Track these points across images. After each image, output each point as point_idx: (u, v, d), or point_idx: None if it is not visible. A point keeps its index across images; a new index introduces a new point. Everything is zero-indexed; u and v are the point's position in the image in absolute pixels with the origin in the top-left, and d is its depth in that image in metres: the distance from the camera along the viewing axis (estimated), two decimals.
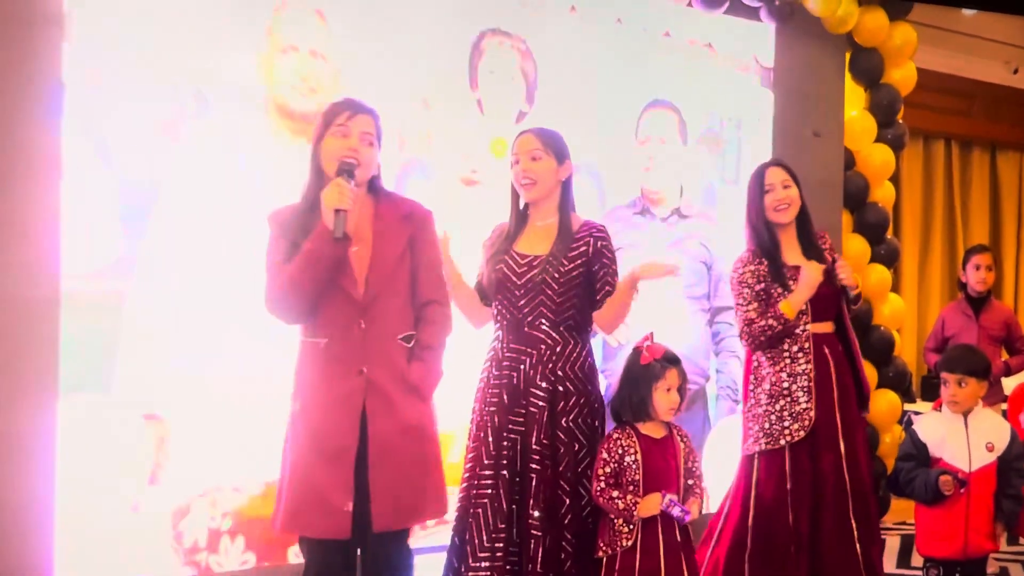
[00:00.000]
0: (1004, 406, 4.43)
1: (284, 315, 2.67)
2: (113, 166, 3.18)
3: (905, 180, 7.27)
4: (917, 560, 3.85)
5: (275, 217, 2.70)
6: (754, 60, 4.68)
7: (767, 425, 3.30)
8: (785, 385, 3.30)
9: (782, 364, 3.32)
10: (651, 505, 2.84)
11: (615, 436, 2.93)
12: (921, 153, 7.58)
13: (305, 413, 2.63)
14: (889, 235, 5.16)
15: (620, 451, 2.89)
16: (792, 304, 3.25)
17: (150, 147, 3.24)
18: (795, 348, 3.32)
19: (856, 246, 4.97)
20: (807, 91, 4.78)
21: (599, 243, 2.98)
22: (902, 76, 5.03)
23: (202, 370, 3.32)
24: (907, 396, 5.58)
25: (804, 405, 3.27)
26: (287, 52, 3.49)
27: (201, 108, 3.33)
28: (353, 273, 2.63)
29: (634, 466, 2.88)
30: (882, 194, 5.08)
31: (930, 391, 6.28)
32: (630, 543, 2.85)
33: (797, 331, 3.31)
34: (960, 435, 3.35)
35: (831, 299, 3.38)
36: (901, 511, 4.85)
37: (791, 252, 3.40)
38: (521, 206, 3.06)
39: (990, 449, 3.33)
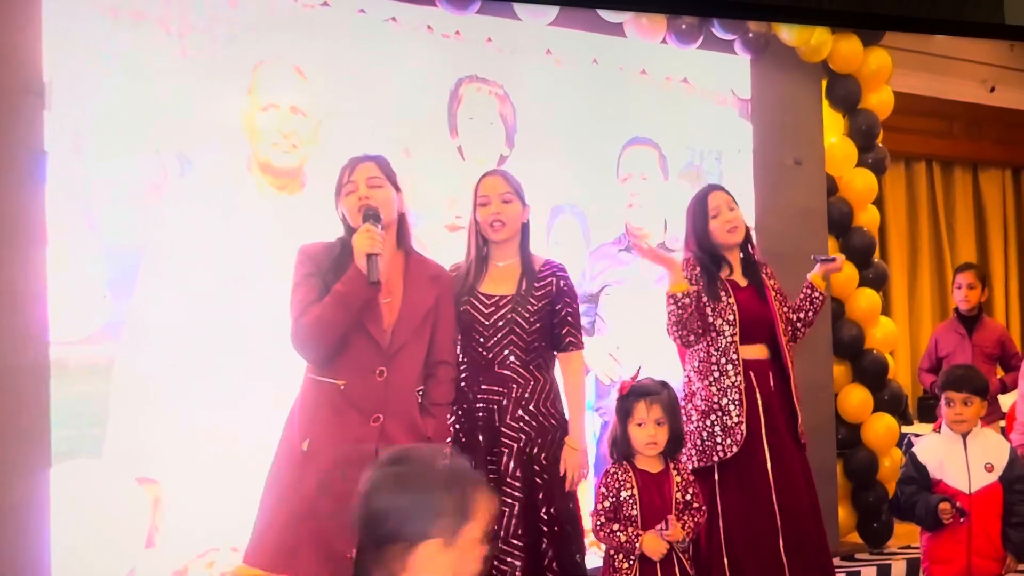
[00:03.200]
0: (1002, 423, 4.42)
1: (309, 353, 2.72)
2: (98, 230, 3.18)
3: (889, 203, 7.31)
4: None
5: (307, 251, 2.77)
6: (731, 92, 4.71)
7: (699, 442, 3.25)
8: (715, 399, 3.26)
9: (711, 377, 3.28)
10: (657, 548, 2.82)
11: (612, 471, 2.94)
12: (903, 176, 7.63)
13: (315, 454, 2.64)
14: (876, 259, 5.18)
15: (617, 486, 2.90)
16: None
17: (134, 210, 3.25)
18: (723, 360, 3.28)
19: (844, 271, 4.98)
20: (786, 120, 4.82)
21: (561, 282, 3.05)
22: (879, 100, 5.08)
23: (195, 430, 3.30)
24: (904, 419, 5.57)
25: (736, 418, 3.23)
26: (267, 110, 3.52)
27: (184, 169, 3.35)
28: (382, 321, 2.70)
29: (631, 501, 2.88)
30: (867, 218, 5.11)
31: (927, 412, 6.26)
32: None
33: (724, 340, 3.28)
34: (959, 457, 3.33)
35: (762, 321, 3.34)
36: (905, 535, 4.82)
37: (734, 274, 3.41)
38: (484, 249, 3.07)
39: (989, 470, 3.30)
